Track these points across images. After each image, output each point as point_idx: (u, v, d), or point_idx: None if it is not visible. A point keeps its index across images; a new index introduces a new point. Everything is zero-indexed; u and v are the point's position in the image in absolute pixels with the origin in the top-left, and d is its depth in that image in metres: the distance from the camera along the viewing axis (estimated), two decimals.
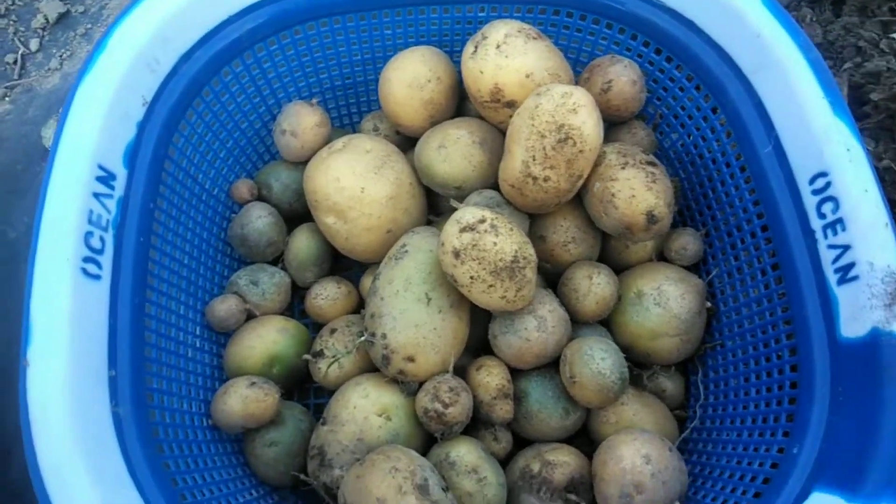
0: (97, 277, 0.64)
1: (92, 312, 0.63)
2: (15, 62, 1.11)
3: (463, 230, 0.69)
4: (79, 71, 0.69)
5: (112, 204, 0.67)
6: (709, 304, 0.81)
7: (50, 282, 0.60)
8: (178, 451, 0.68)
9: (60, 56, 1.11)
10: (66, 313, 0.60)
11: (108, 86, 0.69)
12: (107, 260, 0.65)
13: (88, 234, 0.64)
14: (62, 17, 1.17)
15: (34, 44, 1.13)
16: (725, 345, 0.80)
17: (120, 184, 0.68)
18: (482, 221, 0.69)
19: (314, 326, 0.89)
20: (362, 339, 0.75)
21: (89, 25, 1.13)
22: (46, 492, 0.54)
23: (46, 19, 1.16)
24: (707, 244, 0.85)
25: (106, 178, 0.67)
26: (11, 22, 1.16)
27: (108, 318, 0.64)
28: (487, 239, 0.68)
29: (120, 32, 0.71)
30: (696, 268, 0.86)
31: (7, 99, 1.06)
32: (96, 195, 0.65)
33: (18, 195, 0.96)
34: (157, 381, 0.69)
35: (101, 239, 0.65)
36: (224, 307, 0.81)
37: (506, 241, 0.68)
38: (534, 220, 0.82)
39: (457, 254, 0.68)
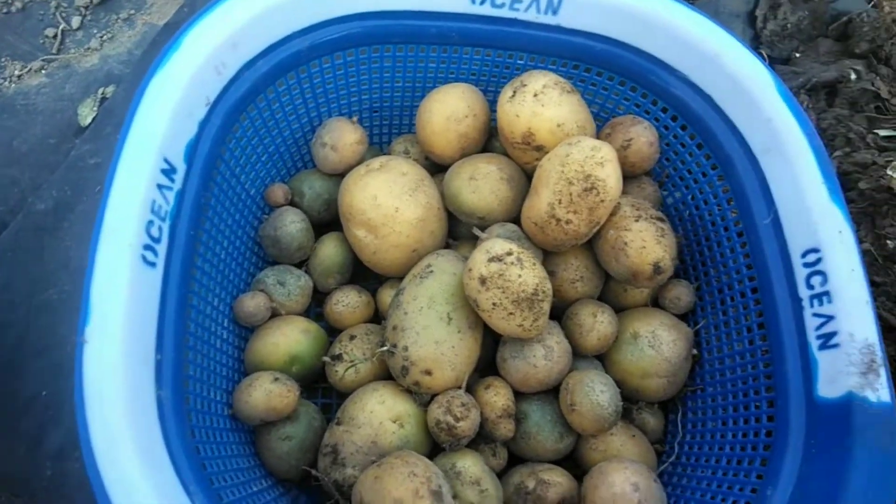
0: (153, 265, 0.66)
1: (146, 298, 0.64)
2: (55, 37, 1.10)
3: (491, 260, 0.74)
4: (151, 65, 0.72)
5: (171, 196, 0.70)
6: (695, 352, 0.88)
7: (111, 265, 0.62)
8: (206, 438, 0.70)
9: (101, 37, 1.11)
10: (124, 297, 0.61)
11: (178, 83, 0.71)
12: (162, 249, 0.67)
13: (150, 223, 0.66)
14: None
15: (76, 21, 1.13)
16: (706, 389, 0.88)
17: (179, 178, 0.71)
18: (509, 254, 0.74)
19: (329, 330, 0.92)
20: (384, 348, 0.79)
21: (132, 11, 1.13)
22: (98, 468, 0.55)
23: None
24: (698, 297, 0.93)
25: (168, 171, 0.69)
26: None
27: (159, 304, 0.66)
28: (513, 271, 0.73)
29: (194, 33, 0.73)
30: (686, 317, 0.94)
31: (43, 72, 1.06)
32: (159, 186, 0.68)
33: (49, 169, 0.96)
34: (192, 369, 0.72)
35: (160, 228, 0.67)
36: (253, 303, 0.84)
37: (529, 274, 0.74)
38: (546, 256, 0.88)
39: (483, 281, 0.74)
